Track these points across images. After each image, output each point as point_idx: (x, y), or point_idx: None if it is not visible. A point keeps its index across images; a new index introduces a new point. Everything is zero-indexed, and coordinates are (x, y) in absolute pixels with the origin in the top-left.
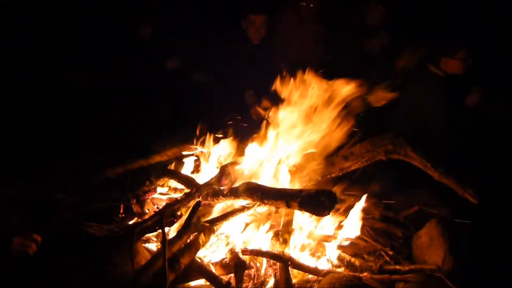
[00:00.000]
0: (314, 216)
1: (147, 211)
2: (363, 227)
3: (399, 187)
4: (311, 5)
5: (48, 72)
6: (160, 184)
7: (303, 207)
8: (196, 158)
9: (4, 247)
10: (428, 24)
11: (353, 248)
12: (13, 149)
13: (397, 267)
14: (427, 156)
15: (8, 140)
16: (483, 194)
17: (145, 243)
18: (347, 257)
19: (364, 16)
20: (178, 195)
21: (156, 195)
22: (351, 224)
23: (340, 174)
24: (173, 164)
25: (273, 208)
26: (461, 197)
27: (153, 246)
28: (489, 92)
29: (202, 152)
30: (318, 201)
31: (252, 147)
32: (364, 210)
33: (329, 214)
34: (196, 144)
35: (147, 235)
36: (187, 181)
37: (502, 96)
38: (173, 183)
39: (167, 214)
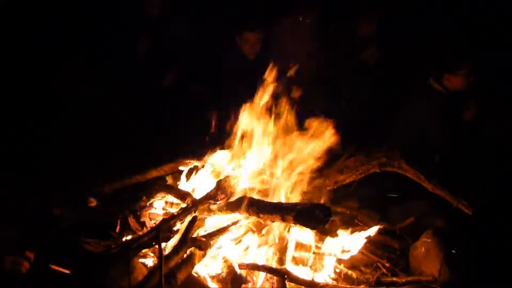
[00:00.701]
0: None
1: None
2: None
3: (395, 198)
4: (307, 19)
5: (53, 81)
6: (157, 199)
7: (298, 221)
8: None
9: None
10: (430, 40)
11: (350, 260)
12: (13, 158)
13: (394, 279)
14: (420, 168)
15: (8, 149)
16: (478, 205)
17: (142, 258)
18: (344, 269)
19: (358, 28)
20: (175, 210)
21: (153, 210)
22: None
23: (335, 187)
24: (171, 178)
25: (269, 222)
26: (455, 208)
27: (150, 261)
28: (486, 106)
29: (198, 166)
30: (312, 215)
31: (247, 161)
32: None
33: (324, 228)
34: (196, 158)
35: (144, 250)
36: (183, 196)
37: (499, 110)
38: (170, 197)
39: (163, 229)
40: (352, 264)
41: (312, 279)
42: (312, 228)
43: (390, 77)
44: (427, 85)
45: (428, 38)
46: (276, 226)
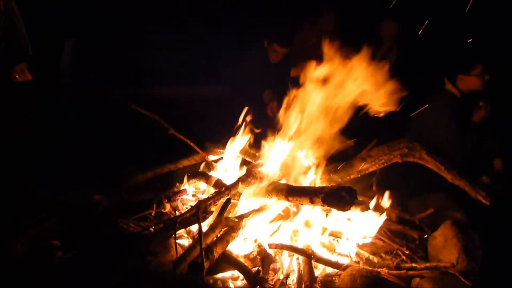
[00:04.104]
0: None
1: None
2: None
3: (416, 192)
4: (328, 21)
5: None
6: (189, 185)
7: (326, 202)
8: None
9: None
10: (444, 41)
11: (371, 247)
12: (53, 160)
13: (413, 264)
14: (441, 159)
15: (49, 152)
16: (496, 197)
17: (177, 239)
18: (366, 254)
19: (378, 30)
20: (205, 196)
21: (184, 196)
22: (370, 222)
23: (359, 176)
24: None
25: (295, 207)
26: (473, 199)
27: (185, 242)
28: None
29: (227, 155)
30: (339, 196)
31: (273, 148)
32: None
33: (350, 209)
34: (222, 148)
35: (179, 232)
36: (215, 182)
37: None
38: (201, 184)
39: (201, 208)
40: (373, 251)
41: (337, 260)
42: (339, 209)
43: (407, 79)
44: (442, 88)
45: (444, 40)
46: (304, 211)
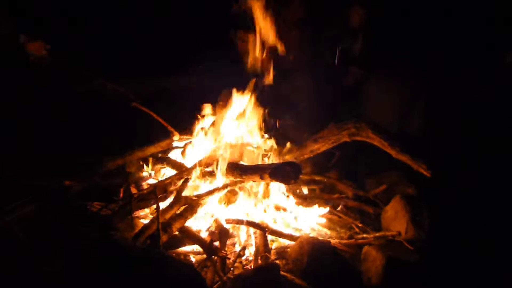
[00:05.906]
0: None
1: None
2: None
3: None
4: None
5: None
6: (155, 170)
7: (273, 177)
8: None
9: None
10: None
11: (327, 222)
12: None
13: (364, 235)
14: (385, 136)
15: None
16: (441, 173)
17: (142, 219)
18: (320, 227)
19: (346, 19)
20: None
21: (150, 181)
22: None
23: (312, 156)
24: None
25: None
26: (424, 177)
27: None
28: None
29: (190, 141)
30: (284, 171)
31: (229, 134)
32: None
33: (295, 183)
34: (186, 135)
35: (143, 214)
36: (177, 165)
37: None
38: (167, 169)
39: (159, 187)
40: (329, 226)
41: (290, 233)
42: (284, 183)
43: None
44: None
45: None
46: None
